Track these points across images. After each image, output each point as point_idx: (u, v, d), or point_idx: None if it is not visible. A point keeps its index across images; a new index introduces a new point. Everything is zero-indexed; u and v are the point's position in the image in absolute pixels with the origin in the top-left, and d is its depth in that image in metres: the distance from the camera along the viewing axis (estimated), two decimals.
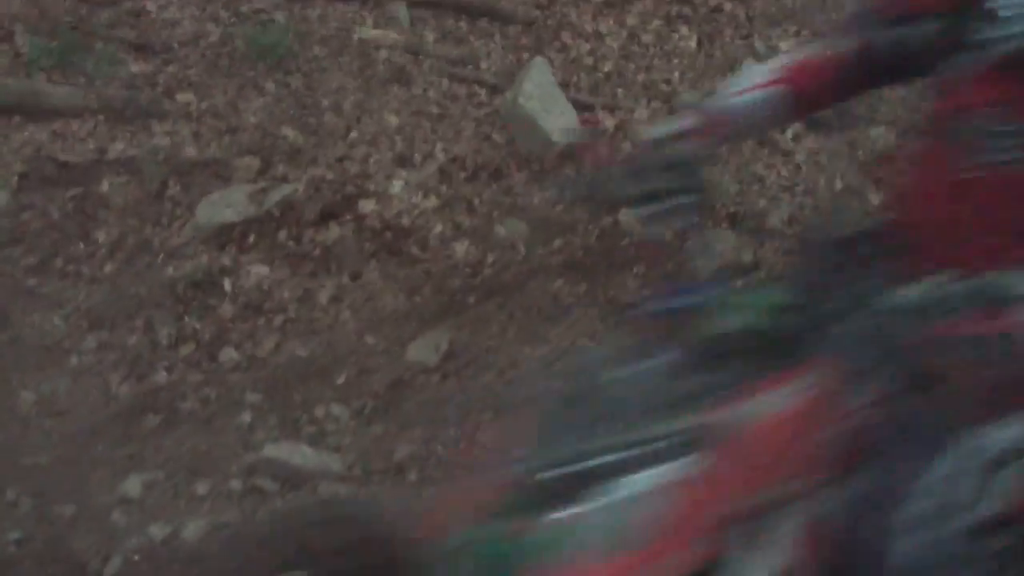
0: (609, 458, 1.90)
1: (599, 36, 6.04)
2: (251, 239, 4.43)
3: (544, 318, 4.27)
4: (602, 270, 4.42)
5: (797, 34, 6.08)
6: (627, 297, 4.18)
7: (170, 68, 5.31)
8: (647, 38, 5.98)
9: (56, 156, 4.70)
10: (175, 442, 3.76)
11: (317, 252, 4.42)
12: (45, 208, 4.47)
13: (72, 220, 4.44)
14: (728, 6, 6.26)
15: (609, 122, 5.31)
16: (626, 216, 4.52)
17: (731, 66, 5.81)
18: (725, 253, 4.50)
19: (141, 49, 5.40)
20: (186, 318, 4.11)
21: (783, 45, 6.01)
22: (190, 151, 4.81)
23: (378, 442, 3.71)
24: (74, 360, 3.94)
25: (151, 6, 5.67)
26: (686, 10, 6.14)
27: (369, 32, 5.77)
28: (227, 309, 4.16)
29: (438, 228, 4.57)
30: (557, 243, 4.57)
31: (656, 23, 6.08)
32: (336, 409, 3.89)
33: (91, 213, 4.49)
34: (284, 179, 4.71)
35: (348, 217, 4.57)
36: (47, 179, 4.60)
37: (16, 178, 4.58)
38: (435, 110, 5.32)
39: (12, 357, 3.92)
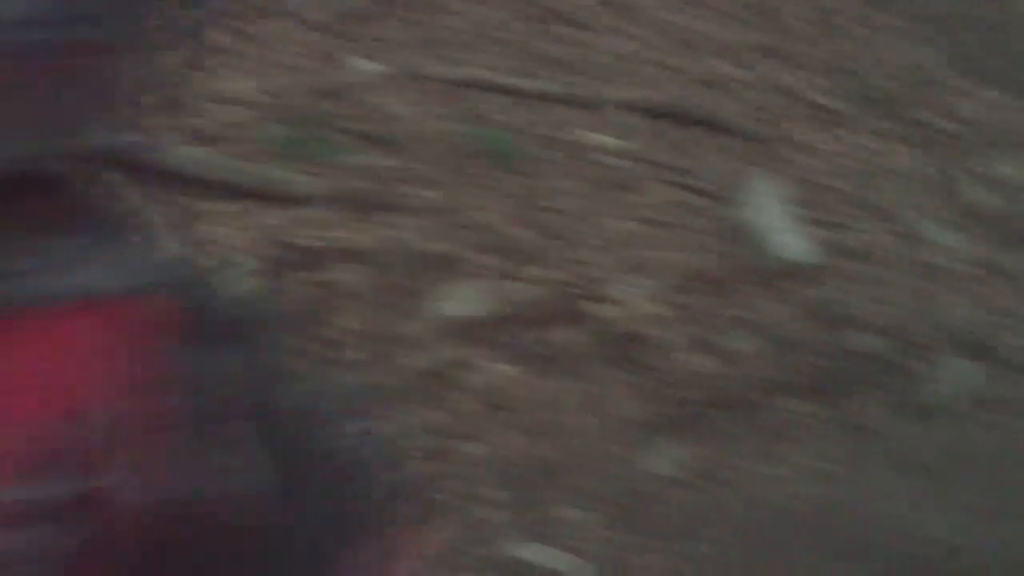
0: None
1: (818, 151, 6.04)
2: (486, 336, 4.47)
3: (779, 437, 4.23)
4: (840, 391, 4.38)
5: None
6: (868, 421, 4.15)
7: (402, 162, 5.42)
8: (864, 154, 5.97)
9: (294, 242, 4.81)
10: None
11: (550, 353, 4.44)
12: (287, 292, 4.57)
13: (313, 305, 4.52)
14: (943, 123, 6.22)
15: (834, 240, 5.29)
16: (866, 337, 4.50)
17: (950, 185, 5.76)
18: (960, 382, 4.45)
19: (374, 142, 5.52)
20: (427, 410, 4.14)
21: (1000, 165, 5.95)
22: (423, 245, 4.88)
23: (624, 551, 3.69)
24: None
25: (384, 101, 5.82)
26: (902, 127, 6.11)
27: (592, 137, 5.84)
28: (466, 404, 4.18)
29: (670, 337, 4.57)
30: (791, 360, 4.54)
31: (873, 140, 6.06)
32: (574, 512, 3.87)
33: (331, 300, 4.57)
34: (516, 278, 4.75)
35: (580, 320, 4.60)
36: (286, 264, 4.70)
37: (261, 262, 4.69)
38: (659, 217, 5.34)
39: None
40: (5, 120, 1.01)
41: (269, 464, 1.03)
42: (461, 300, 4.58)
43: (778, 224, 5.32)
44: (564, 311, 4.57)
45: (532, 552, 3.60)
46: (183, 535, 0.98)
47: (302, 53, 6.06)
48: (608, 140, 5.82)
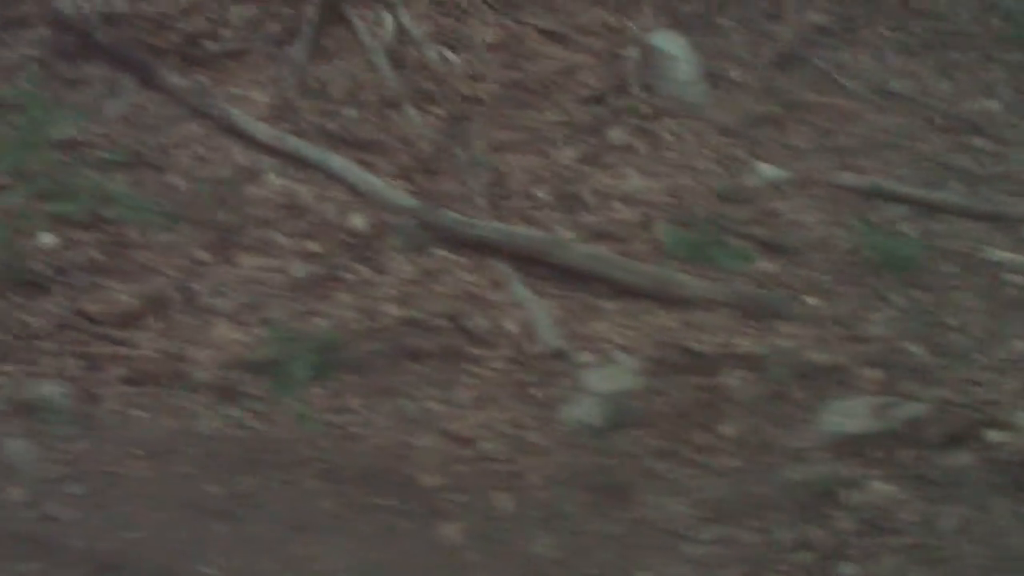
0: None
1: None
2: (874, 454, 4.33)
3: None
4: None
5: None
6: None
7: (798, 270, 5.37)
8: None
9: (685, 344, 4.84)
10: None
11: (941, 476, 4.25)
12: (673, 394, 4.59)
13: (698, 410, 4.52)
14: None
15: None
16: None
17: None
18: None
19: (771, 249, 5.50)
20: (804, 525, 4.05)
21: None
22: (814, 355, 4.80)
23: None
24: (691, 549, 3.96)
25: (784, 207, 5.80)
26: None
27: (1000, 254, 5.61)
28: (846, 522, 4.06)
29: None
30: None
31: None
32: None
33: (716, 405, 4.55)
34: (908, 396, 4.60)
35: (975, 444, 4.39)
36: (676, 366, 4.73)
37: (647, 362, 4.74)
38: None
39: (633, 536, 4.01)
40: None
41: None
42: (848, 414, 4.47)
43: None
44: (956, 433, 4.37)
45: None
46: None
47: (705, 155, 6.13)
48: (1017, 258, 5.57)
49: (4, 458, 4.12)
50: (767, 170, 6.02)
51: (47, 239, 5.05)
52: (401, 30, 6.50)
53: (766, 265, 5.38)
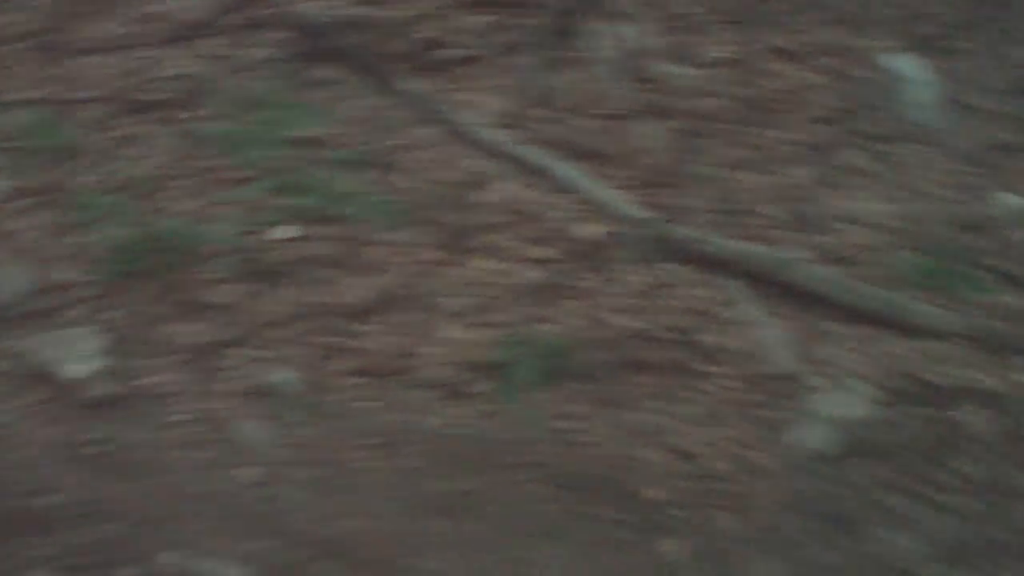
0: None
1: None
2: None
3: None
4: None
5: None
6: None
7: None
8: None
9: (919, 375, 4.66)
10: None
11: None
12: (905, 425, 4.42)
13: (934, 444, 4.35)
14: None
15: None
16: None
17: None
18: None
19: (1013, 281, 5.26)
20: None
21: None
22: None
23: None
24: None
25: None
26: None
27: None
28: None
29: None
30: None
31: None
32: None
33: (950, 440, 4.38)
34: None
35: None
36: (908, 396, 4.56)
37: (881, 390, 4.58)
38: None
39: (860, 569, 3.89)
40: None
41: None
42: None
43: None
44: None
45: None
46: None
47: (943, 181, 5.92)
48: None
49: (238, 440, 4.20)
50: (1011, 199, 5.77)
51: (283, 232, 5.14)
52: (633, 43, 6.44)
53: (1007, 298, 5.14)
